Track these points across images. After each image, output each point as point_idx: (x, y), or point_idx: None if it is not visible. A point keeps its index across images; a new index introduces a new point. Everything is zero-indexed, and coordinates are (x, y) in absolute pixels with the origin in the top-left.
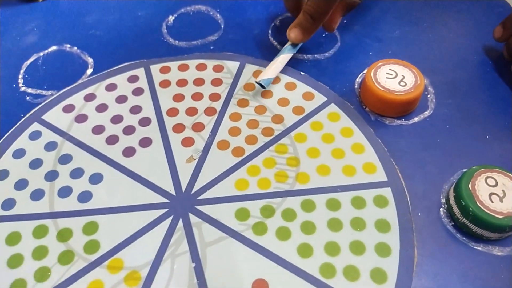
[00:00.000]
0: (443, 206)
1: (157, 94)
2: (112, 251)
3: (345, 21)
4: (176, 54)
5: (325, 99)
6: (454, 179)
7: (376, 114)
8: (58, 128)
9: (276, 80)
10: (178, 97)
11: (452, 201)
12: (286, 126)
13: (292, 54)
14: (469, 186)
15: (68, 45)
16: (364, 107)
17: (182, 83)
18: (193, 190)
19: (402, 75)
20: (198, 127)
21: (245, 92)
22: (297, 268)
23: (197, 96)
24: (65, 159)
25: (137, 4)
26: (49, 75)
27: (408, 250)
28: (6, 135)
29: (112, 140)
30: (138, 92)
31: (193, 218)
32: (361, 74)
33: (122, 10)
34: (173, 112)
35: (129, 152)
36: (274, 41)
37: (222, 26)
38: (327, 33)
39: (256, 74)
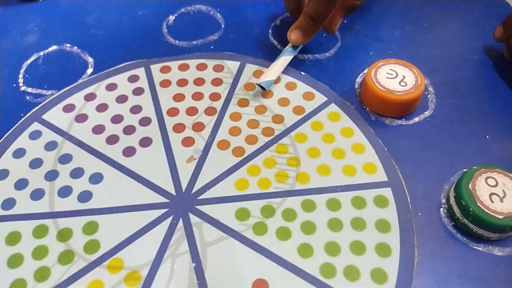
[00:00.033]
0: (443, 206)
1: (158, 93)
2: (112, 251)
3: (345, 21)
4: (177, 54)
5: (326, 99)
6: (455, 179)
7: (376, 114)
8: (58, 128)
9: (276, 80)
10: (179, 97)
11: (452, 201)
12: (286, 126)
13: (292, 56)
14: (470, 186)
15: (69, 45)
16: (365, 107)
17: (182, 83)
18: (193, 190)
19: (403, 75)
20: (198, 127)
21: (246, 92)
22: (297, 268)
23: (197, 96)
24: (65, 158)
25: (137, 3)
26: (49, 74)
27: (408, 250)
28: (6, 135)
29: (112, 139)
30: (138, 91)
31: (193, 218)
32: (361, 74)
33: (123, 9)
34: (173, 112)
35: (129, 152)
36: (274, 41)
37: (223, 26)
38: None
39: (256, 74)
